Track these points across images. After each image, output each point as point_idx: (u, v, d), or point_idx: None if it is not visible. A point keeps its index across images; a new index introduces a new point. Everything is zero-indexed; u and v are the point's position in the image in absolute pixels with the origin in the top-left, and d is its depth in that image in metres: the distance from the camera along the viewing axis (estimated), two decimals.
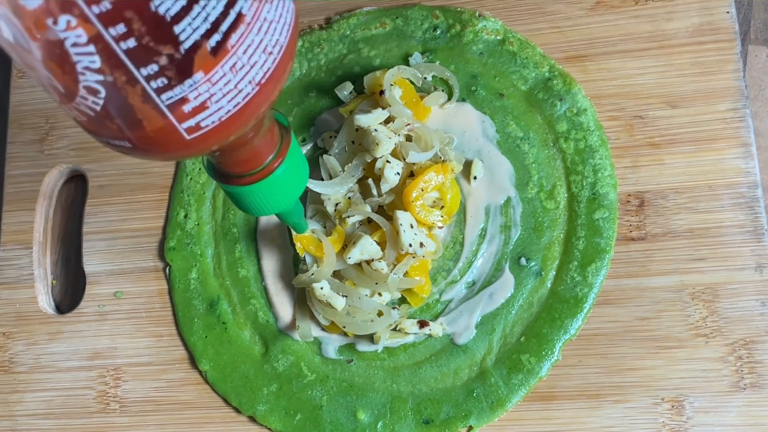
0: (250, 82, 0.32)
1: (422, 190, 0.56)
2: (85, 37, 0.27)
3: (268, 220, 0.62)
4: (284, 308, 0.60)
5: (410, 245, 0.55)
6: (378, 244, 0.56)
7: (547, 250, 0.58)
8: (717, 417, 0.54)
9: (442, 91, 0.61)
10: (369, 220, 0.57)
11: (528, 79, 0.60)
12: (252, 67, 0.31)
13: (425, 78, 0.61)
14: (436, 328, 0.57)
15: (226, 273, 0.62)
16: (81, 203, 0.67)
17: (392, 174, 0.56)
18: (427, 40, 0.62)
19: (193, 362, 0.61)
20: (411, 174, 0.57)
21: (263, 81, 0.32)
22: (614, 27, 0.60)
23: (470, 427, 0.56)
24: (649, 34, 0.59)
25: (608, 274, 0.57)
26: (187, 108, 0.31)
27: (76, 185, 0.69)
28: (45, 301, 0.65)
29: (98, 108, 0.30)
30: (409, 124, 0.58)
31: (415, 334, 0.58)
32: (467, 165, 0.59)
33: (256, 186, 0.40)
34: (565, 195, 0.58)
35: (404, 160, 0.57)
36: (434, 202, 0.57)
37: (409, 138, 0.58)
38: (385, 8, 0.64)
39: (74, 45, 0.28)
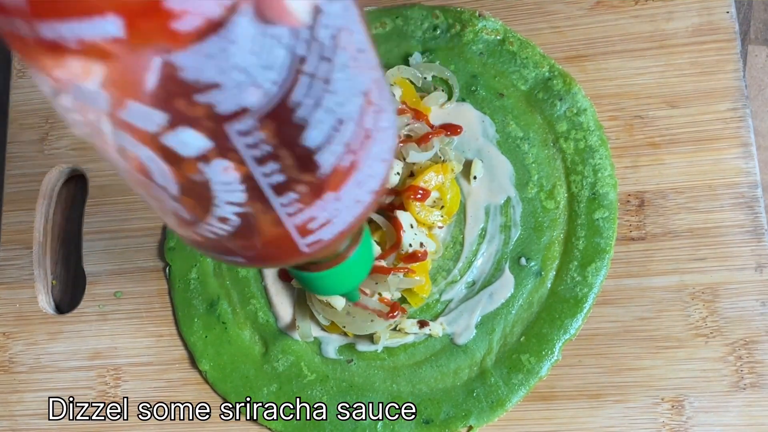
0: (369, 192, 0.31)
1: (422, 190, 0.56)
2: (237, 177, 0.27)
3: None
4: (284, 308, 0.60)
5: (410, 245, 0.55)
6: (378, 244, 0.56)
7: (547, 250, 0.58)
8: (717, 417, 0.54)
9: (442, 90, 0.61)
10: (369, 220, 0.57)
11: (528, 78, 0.60)
12: (372, 177, 0.31)
13: (425, 78, 0.61)
14: (436, 328, 0.57)
15: (226, 273, 0.62)
16: (81, 203, 0.67)
17: (392, 174, 0.56)
18: (427, 39, 0.62)
19: (193, 362, 0.61)
20: (411, 174, 0.57)
21: (378, 188, 0.32)
22: (614, 27, 0.60)
23: (470, 427, 0.56)
24: (649, 34, 0.59)
25: (608, 274, 0.56)
26: (312, 225, 0.30)
27: (76, 185, 0.69)
28: (45, 301, 0.65)
29: (224, 233, 0.30)
30: (408, 124, 0.58)
31: (415, 334, 0.58)
32: (467, 165, 0.59)
33: (328, 272, 0.40)
34: (565, 195, 0.58)
35: (404, 160, 0.57)
36: (434, 202, 0.57)
37: (409, 137, 0.58)
38: (385, 8, 0.64)
39: (222, 183, 0.27)
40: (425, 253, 0.55)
